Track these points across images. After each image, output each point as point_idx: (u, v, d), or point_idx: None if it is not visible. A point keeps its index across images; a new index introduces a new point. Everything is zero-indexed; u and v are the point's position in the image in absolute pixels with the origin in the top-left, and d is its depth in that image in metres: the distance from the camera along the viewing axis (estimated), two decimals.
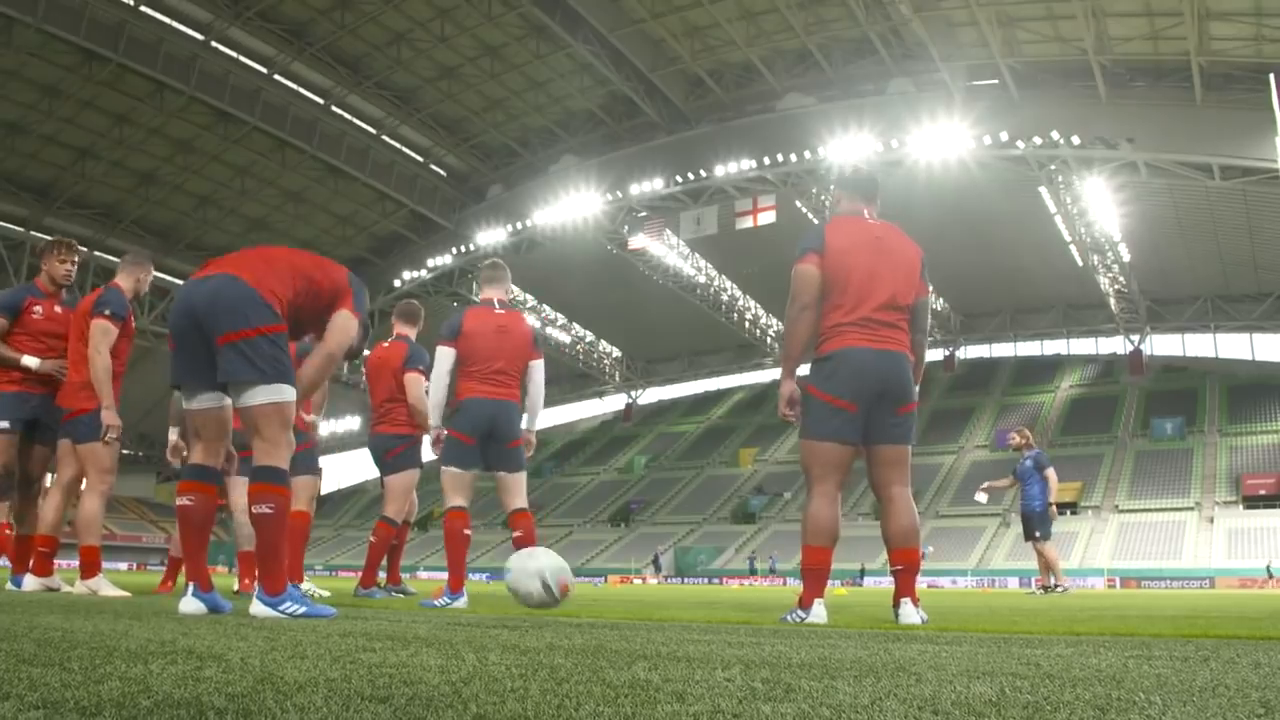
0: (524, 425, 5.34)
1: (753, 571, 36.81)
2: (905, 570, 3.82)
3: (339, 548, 49.94)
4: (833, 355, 3.80)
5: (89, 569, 5.22)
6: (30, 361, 5.19)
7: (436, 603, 4.94)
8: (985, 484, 11.42)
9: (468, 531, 5.25)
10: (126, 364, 5.43)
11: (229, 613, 3.22)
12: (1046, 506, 10.74)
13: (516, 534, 5.24)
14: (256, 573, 3.33)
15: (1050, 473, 10.80)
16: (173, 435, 5.92)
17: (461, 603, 4.93)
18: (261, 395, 3.15)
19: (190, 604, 3.21)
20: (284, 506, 3.20)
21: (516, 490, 5.28)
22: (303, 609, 3.18)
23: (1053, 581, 10.83)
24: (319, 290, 3.36)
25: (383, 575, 6.88)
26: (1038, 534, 10.73)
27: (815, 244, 3.85)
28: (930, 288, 4.01)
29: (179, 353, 3.26)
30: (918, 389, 4.01)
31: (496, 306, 5.28)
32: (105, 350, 4.99)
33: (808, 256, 3.84)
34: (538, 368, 5.33)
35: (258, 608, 3.14)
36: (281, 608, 3.15)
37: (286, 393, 3.20)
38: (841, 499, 3.94)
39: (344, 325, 3.38)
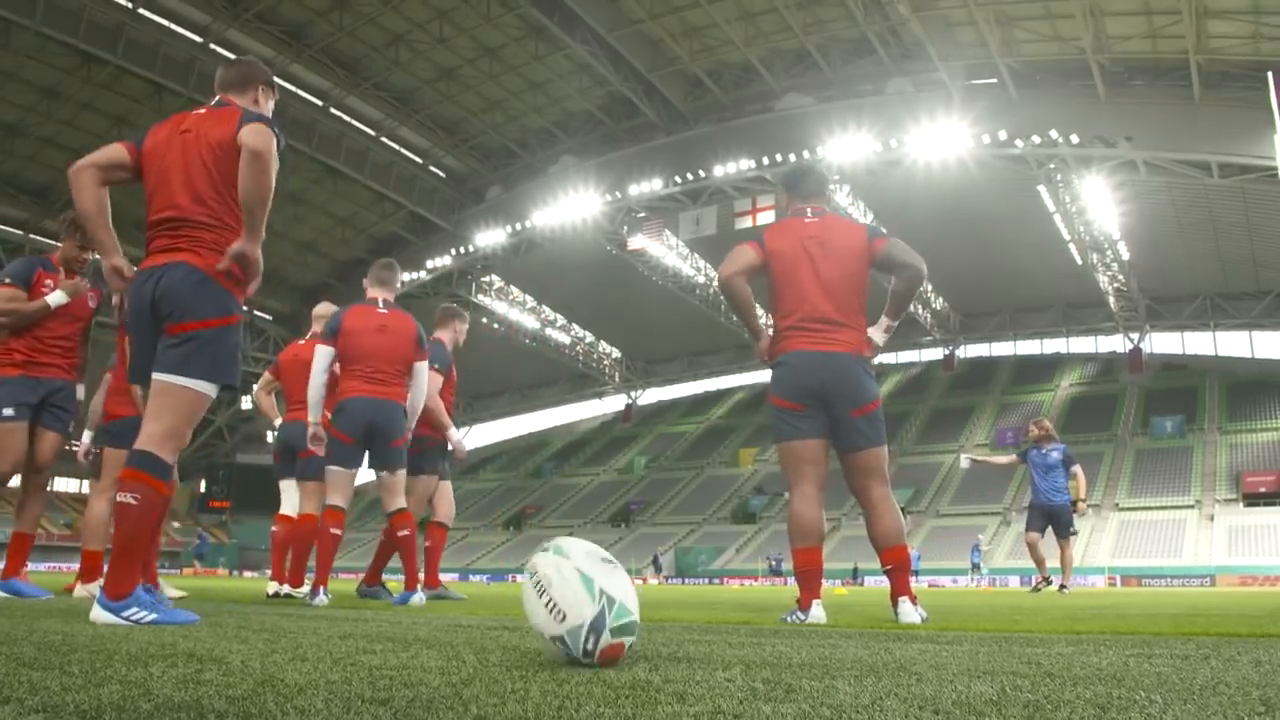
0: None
1: (775, 572, 36.45)
2: (897, 569, 3.85)
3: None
4: (779, 360, 3.91)
5: (90, 574, 5.21)
6: (54, 298, 4.77)
7: (315, 600, 4.99)
8: (980, 457, 11.12)
9: (337, 531, 5.31)
10: None
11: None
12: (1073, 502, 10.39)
13: (402, 533, 5.38)
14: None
15: (1078, 469, 10.47)
16: (86, 439, 6.03)
17: (321, 600, 4.97)
18: (182, 379, 3.02)
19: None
20: (152, 501, 2.93)
21: (395, 490, 5.34)
22: (153, 615, 2.84)
23: (1057, 582, 10.69)
24: (237, 156, 3.08)
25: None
26: (1073, 530, 10.46)
27: (757, 238, 4.03)
28: (888, 237, 3.97)
29: (134, 346, 3.13)
30: (873, 358, 3.98)
31: (380, 306, 5.30)
32: None
33: (748, 242, 4.03)
34: (420, 371, 5.32)
35: (98, 613, 2.82)
36: (126, 614, 2.80)
37: (207, 388, 3.06)
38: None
39: (252, 130, 3.06)
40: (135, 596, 2.86)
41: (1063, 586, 10.57)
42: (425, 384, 5.34)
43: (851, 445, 3.87)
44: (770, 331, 4.05)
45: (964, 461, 10.97)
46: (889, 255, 3.92)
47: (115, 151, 3.19)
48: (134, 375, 3.19)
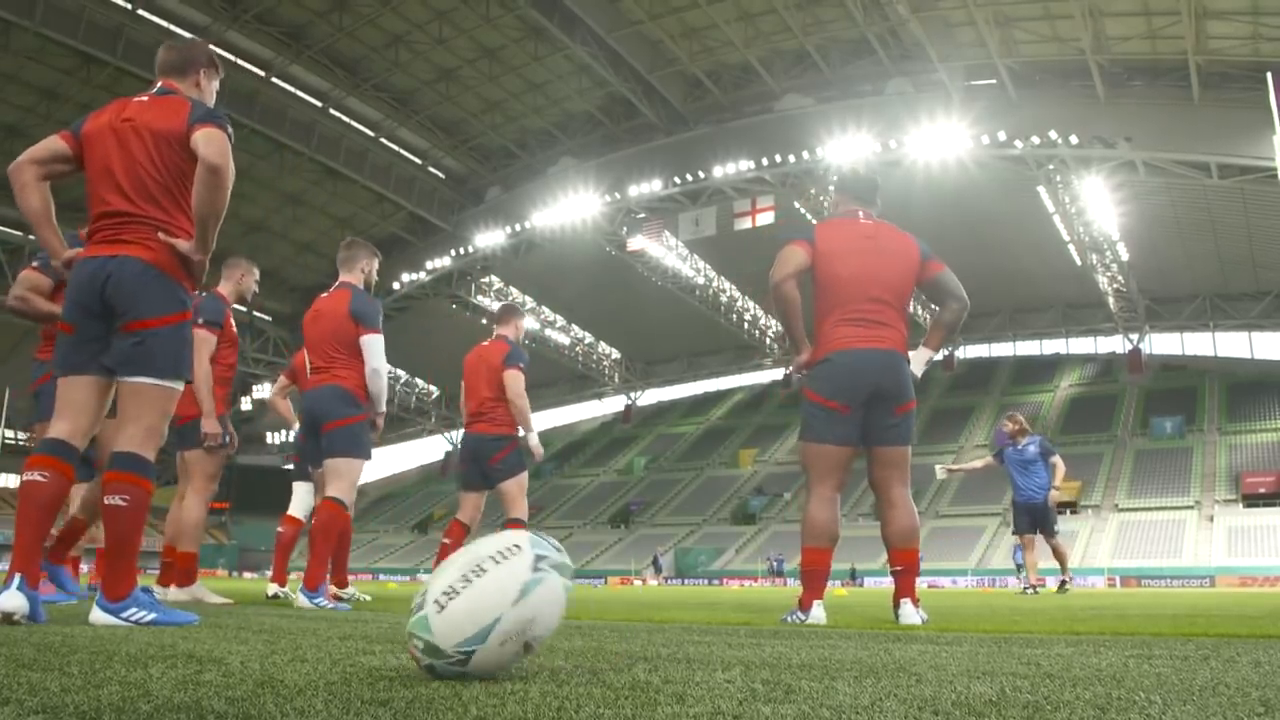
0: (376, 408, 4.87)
1: (776, 573, 36.37)
2: (905, 571, 3.87)
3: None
4: (826, 358, 3.84)
5: (187, 576, 5.20)
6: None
7: (320, 602, 4.73)
8: (952, 465, 10.55)
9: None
10: (236, 368, 5.41)
11: (44, 622, 2.79)
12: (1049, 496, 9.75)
13: (312, 523, 4.93)
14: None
15: (1057, 459, 9.82)
16: None
17: (320, 602, 4.69)
18: (153, 379, 2.92)
19: (14, 599, 2.67)
20: (141, 500, 2.89)
21: (330, 477, 4.85)
22: (152, 615, 2.84)
23: (1053, 582, 10.42)
24: (186, 152, 2.96)
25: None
26: (1057, 529, 9.85)
27: (806, 234, 3.95)
28: (943, 265, 4.01)
29: (75, 337, 2.94)
30: (925, 365, 4.00)
31: (329, 291, 5.06)
32: (204, 360, 4.93)
33: (797, 241, 3.93)
34: (367, 344, 4.79)
35: (97, 615, 2.80)
36: (125, 615, 2.80)
37: (177, 384, 2.99)
38: (841, 500, 3.97)
39: (207, 138, 2.93)
40: (134, 597, 2.84)
41: (1063, 584, 10.21)
42: (375, 358, 4.80)
43: (884, 440, 3.88)
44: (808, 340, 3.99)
45: (940, 473, 10.36)
46: (942, 283, 3.96)
47: (54, 144, 3.04)
48: (66, 366, 2.95)
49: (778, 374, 57.39)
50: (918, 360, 3.95)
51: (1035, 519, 9.90)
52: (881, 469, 3.93)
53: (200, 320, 4.75)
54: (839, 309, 3.85)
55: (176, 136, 2.95)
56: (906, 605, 3.77)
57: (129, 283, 2.89)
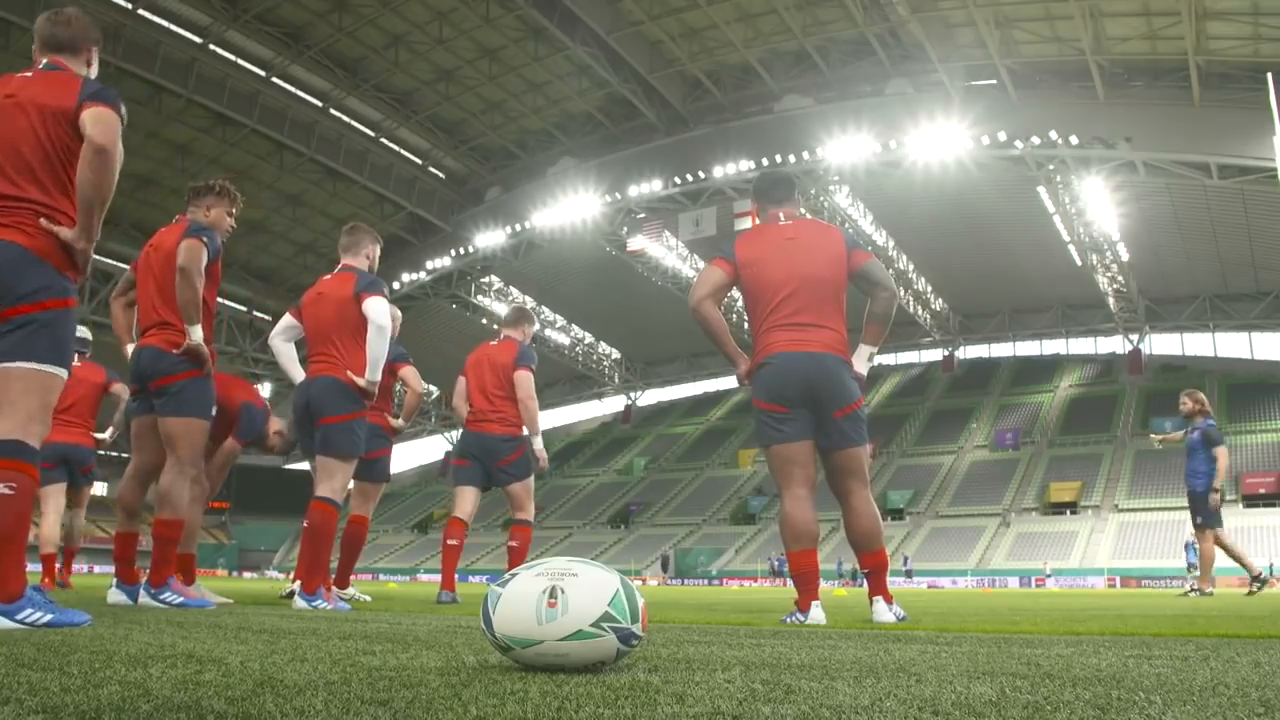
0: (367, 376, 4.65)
1: (776, 573, 36.44)
2: (874, 571, 3.93)
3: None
4: (763, 362, 3.89)
5: (187, 576, 4.99)
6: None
7: (318, 603, 4.51)
8: (1160, 437, 10.48)
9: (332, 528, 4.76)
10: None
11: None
12: (1209, 489, 9.27)
13: (304, 524, 4.73)
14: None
15: (1220, 450, 9.33)
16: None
17: (319, 604, 4.50)
18: (33, 364, 2.76)
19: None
20: (27, 488, 2.69)
21: (321, 476, 4.66)
22: (48, 616, 2.64)
23: (1192, 584, 9.53)
24: (74, 131, 2.81)
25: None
26: (1199, 520, 9.36)
27: (726, 252, 4.03)
28: (870, 254, 3.99)
29: None
30: (871, 354, 3.98)
31: (332, 273, 4.92)
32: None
33: (716, 260, 4.02)
34: (371, 305, 4.58)
35: None
36: (20, 617, 2.59)
37: (59, 371, 2.83)
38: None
39: (95, 118, 2.79)
40: (28, 598, 2.65)
41: (1192, 589, 9.43)
42: (380, 317, 4.59)
43: (833, 445, 3.88)
44: (748, 348, 4.00)
45: (1156, 443, 10.46)
46: (868, 272, 3.92)
47: None
48: None
49: None
50: (859, 359, 3.93)
51: (1193, 509, 9.47)
52: (838, 475, 3.94)
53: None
54: (769, 315, 3.88)
55: (65, 114, 2.82)
56: (879, 603, 3.84)
57: (6, 268, 2.74)
